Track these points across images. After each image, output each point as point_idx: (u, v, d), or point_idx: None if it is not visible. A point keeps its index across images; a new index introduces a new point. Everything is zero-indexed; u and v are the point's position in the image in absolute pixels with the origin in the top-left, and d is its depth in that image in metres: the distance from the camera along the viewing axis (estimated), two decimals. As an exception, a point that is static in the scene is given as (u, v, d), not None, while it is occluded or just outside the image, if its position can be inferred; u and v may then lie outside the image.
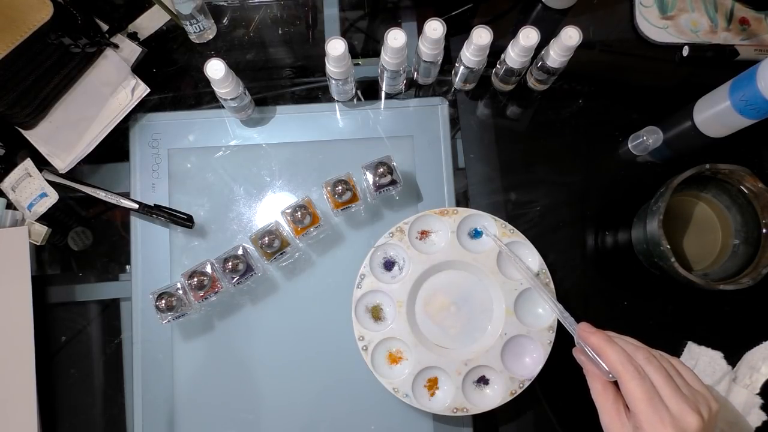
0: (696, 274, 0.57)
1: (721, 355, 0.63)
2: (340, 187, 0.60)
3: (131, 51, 0.68)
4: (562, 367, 0.62)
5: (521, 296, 0.61)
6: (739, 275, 0.59)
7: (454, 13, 0.71)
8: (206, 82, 0.59)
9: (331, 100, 0.69)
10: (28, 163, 0.64)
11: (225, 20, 0.71)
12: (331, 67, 0.60)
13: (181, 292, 0.59)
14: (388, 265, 0.63)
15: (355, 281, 0.61)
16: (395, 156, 0.62)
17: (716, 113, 0.63)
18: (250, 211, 0.66)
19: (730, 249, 0.63)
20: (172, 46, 0.70)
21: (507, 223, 0.62)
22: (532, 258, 0.62)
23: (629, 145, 0.68)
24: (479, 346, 0.61)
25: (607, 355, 0.45)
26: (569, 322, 0.55)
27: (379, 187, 0.62)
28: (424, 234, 0.64)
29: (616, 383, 0.46)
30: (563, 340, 0.61)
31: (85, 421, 0.62)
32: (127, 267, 0.65)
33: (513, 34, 0.60)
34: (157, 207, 0.64)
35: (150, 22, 0.70)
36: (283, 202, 0.63)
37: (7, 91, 0.58)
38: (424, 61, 0.62)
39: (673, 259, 0.56)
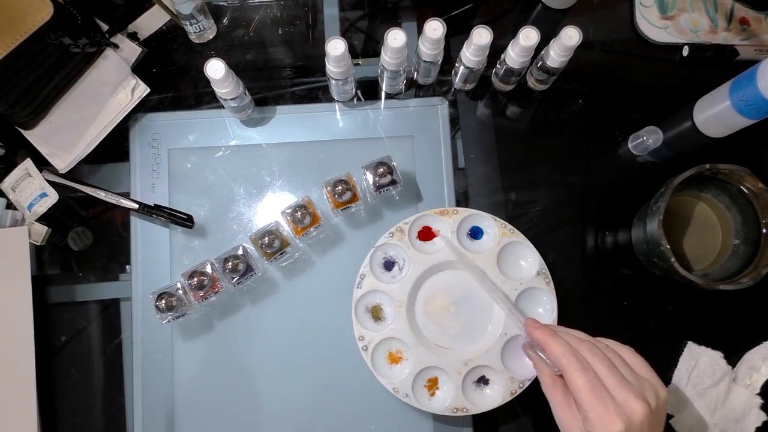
0: (696, 274, 0.57)
1: (721, 355, 0.63)
2: (340, 187, 0.60)
3: (131, 51, 0.68)
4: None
5: (521, 296, 0.61)
6: (739, 275, 0.59)
7: (454, 13, 0.71)
8: (206, 82, 0.59)
9: (331, 100, 0.69)
10: (28, 163, 0.64)
11: (225, 20, 0.71)
12: (331, 67, 0.60)
13: (181, 292, 0.59)
14: (388, 265, 0.63)
15: (355, 281, 0.61)
16: (395, 156, 0.62)
17: (716, 113, 0.63)
18: (250, 211, 0.66)
19: (730, 249, 0.63)
20: (172, 46, 0.70)
21: (507, 223, 0.62)
22: (532, 258, 0.62)
23: (629, 145, 0.68)
24: (479, 346, 0.61)
25: (551, 349, 0.46)
26: (518, 318, 0.55)
27: (379, 187, 0.62)
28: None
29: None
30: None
31: (85, 421, 0.62)
32: (127, 267, 0.65)
33: (513, 34, 0.60)
34: (157, 207, 0.64)
35: (150, 22, 0.70)
36: (283, 202, 0.63)
37: (7, 91, 0.58)
38: (424, 61, 0.62)
39: (673, 259, 0.56)
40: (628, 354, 0.47)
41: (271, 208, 0.66)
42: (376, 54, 0.64)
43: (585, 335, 0.49)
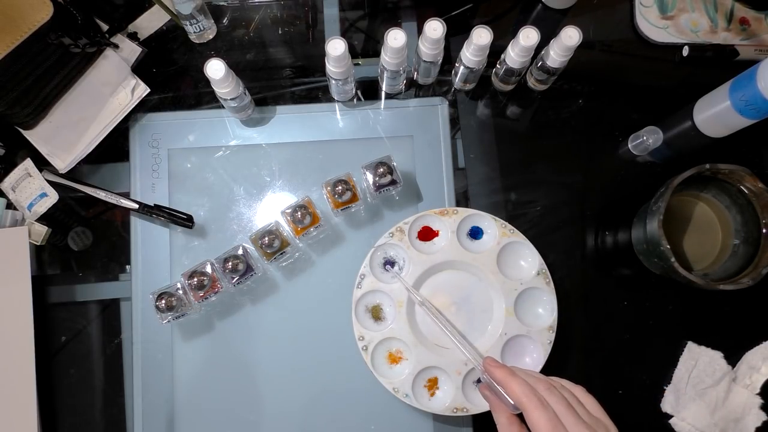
0: (696, 274, 0.57)
1: (721, 355, 0.63)
2: (340, 187, 0.60)
3: (131, 51, 0.68)
4: (562, 367, 0.62)
5: (521, 296, 0.61)
6: (739, 275, 0.59)
7: (454, 13, 0.71)
8: (206, 82, 0.59)
9: (331, 100, 0.69)
10: (28, 163, 0.64)
11: (225, 20, 0.71)
12: (331, 67, 0.60)
13: (181, 292, 0.59)
14: (388, 265, 0.63)
15: (355, 281, 0.61)
16: (395, 156, 0.62)
17: (716, 113, 0.63)
18: (250, 211, 0.66)
19: (730, 249, 0.63)
20: (172, 46, 0.70)
21: (507, 223, 0.62)
22: (532, 258, 0.62)
23: (629, 145, 0.68)
24: (479, 346, 0.61)
25: (511, 388, 0.47)
26: (474, 357, 0.57)
27: (379, 187, 0.62)
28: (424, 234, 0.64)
29: (520, 416, 0.47)
30: (563, 341, 0.61)
31: (85, 421, 0.62)
32: (127, 267, 0.65)
33: (513, 34, 0.60)
34: (157, 207, 0.64)
35: (150, 22, 0.70)
36: (283, 202, 0.63)
37: (7, 91, 0.58)
38: (424, 61, 0.62)
39: (673, 259, 0.56)
40: (581, 393, 0.48)
41: (271, 208, 0.66)
42: (376, 54, 0.64)
43: (541, 375, 0.49)
